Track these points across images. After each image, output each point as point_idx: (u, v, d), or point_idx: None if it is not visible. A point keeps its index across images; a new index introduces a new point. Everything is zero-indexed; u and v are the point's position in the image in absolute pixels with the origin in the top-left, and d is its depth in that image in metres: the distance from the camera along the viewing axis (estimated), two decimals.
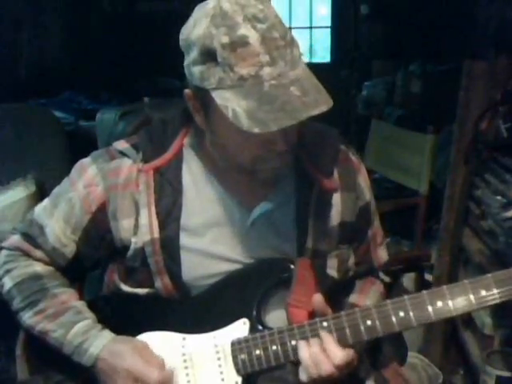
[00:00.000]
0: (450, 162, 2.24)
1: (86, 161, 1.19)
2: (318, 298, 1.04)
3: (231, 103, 0.96)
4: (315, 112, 0.94)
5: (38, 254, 1.18)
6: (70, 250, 1.17)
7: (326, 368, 1.00)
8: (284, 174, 1.14)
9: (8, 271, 1.18)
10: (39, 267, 1.18)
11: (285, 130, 0.98)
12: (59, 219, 1.16)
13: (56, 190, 1.21)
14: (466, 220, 2.20)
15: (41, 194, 2.57)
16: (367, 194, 1.24)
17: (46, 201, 1.22)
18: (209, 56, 0.98)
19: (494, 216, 1.87)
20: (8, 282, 1.17)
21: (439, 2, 4.63)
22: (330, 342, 1.01)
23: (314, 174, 1.15)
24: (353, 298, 1.23)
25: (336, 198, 1.17)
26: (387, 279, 1.31)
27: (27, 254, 1.19)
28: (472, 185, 2.15)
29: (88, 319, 1.12)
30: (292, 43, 1.00)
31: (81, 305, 1.15)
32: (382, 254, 1.29)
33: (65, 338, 1.09)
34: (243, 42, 0.95)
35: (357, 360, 1.05)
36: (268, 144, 1.03)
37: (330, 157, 1.18)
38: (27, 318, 1.13)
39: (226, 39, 0.96)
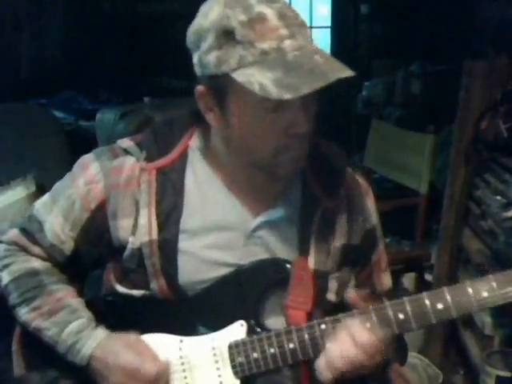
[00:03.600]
0: (450, 162, 2.25)
1: (88, 157, 1.17)
2: None
3: (256, 78, 0.94)
4: (343, 75, 0.94)
5: (36, 250, 1.17)
6: (68, 247, 1.16)
7: (348, 347, 0.98)
8: (293, 185, 1.14)
9: (6, 266, 1.17)
10: (37, 263, 1.17)
11: (307, 108, 0.99)
12: (58, 215, 1.15)
13: (57, 186, 1.20)
14: (466, 220, 2.20)
15: (41, 193, 2.56)
16: (374, 218, 1.22)
17: (46, 196, 1.21)
18: (227, 37, 0.97)
19: (494, 216, 1.88)
20: (6, 277, 1.16)
21: (439, 2, 4.63)
22: (353, 322, 1.00)
23: (320, 194, 1.13)
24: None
25: (341, 220, 1.15)
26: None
27: (24, 250, 1.18)
28: (472, 185, 2.15)
29: (82, 318, 1.11)
30: (304, 24, 1.01)
31: (76, 303, 1.14)
32: (386, 280, 1.25)
33: (59, 336, 1.08)
34: (261, 19, 0.96)
35: (382, 354, 1.01)
36: (290, 127, 1.01)
37: (337, 178, 1.16)
38: (23, 313, 1.13)
39: (243, 17, 0.96)
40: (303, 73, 0.94)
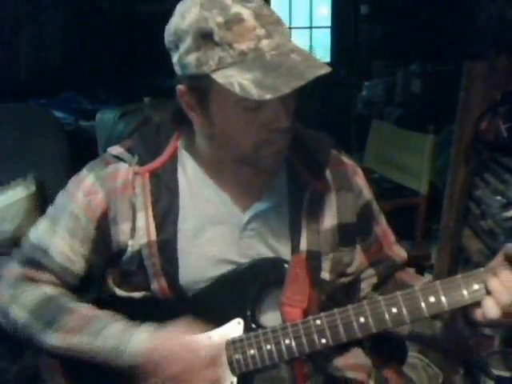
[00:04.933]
0: (450, 162, 2.25)
1: (81, 173, 1.17)
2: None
3: (236, 78, 0.96)
4: (321, 72, 0.96)
5: (45, 276, 1.14)
6: (78, 266, 1.14)
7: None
8: (278, 174, 1.15)
9: (15, 300, 1.12)
10: (48, 288, 1.13)
11: (286, 105, 1.01)
12: (64, 235, 1.13)
13: (52, 209, 1.18)
14: (466, 220, 2.20)
15: (41, 194, 2.57)
16: (367, 193, 1.24)
17: (42, 223, 1.17)
18: (205, 39, 0.98)
19: (494, 216, 1.88)
20: (20, 312, 1.11)
21: (439, 2, 4.63)
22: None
23: (306, 176, 1.15)
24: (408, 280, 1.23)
25: (331, 200, 1.17)
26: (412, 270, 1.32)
27: (32, 280, 1.14)
28: (472, 185, 2.15)
29: (115, 322, 1.07)
30: (280, 22, 1.02)
31: (103, 312, 1.10)
32: (400, 252, 1.29)
33: (95, 345, 1.04)
34: (238, 19, 0.97)
35: None
36: (271, 123, 1.03)
37: (322, 160, 1.18)
38: (51, 339, 1.07)
39: (220, 19, 0.97)
40: (282, 73, 0.96)
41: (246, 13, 0.98)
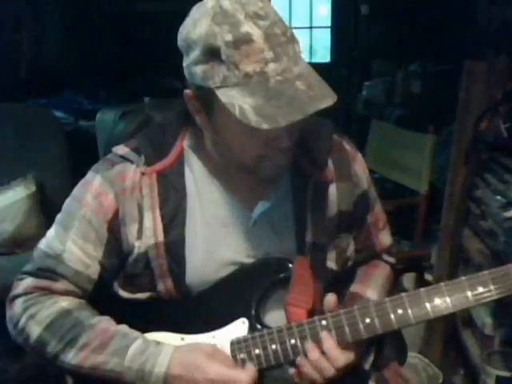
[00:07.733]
0: (450, 161, 2.25)
1: (87, 176, 1.16)
2: (329, 299, 1.05)
3: (237, 101, 0.96)
4: (322, 105, 0.95)
5: (60, 285, 1.11)
6: (93, 270, 1.12)
7: (329, 372, 1.01)
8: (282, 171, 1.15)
9: (32, 317, 1.09)
10: (65, 302, 1.10)
11: (289, 126, 0.99)
12: (77, 240, 1.12)
13: (61, 217, 1.16)
14: (466, 220, 2.20)
15: (41, 194, 2.57)
16: (365, 182, 1.24)
17: (51, 231, 1.15)
18: (212, 54, 0.97)
19: (494, 216, 1.87)
20: (35, 329, 1.08)
21: (439, 3, 4.63)
22: (330, 345, 1.01)
23: (309, 167, 1.16)
24: (353, 287, 1.24)
25: (332, 189, 1.18)
26: (391, 260, 1.31)
27: (47, 290, 1.11)
28: (472, 185, 2.15)
29: (138, 338, 1.05)
30: (293, 39, 1.01)
31: (123, 327, 1.09)
32: (384, 239, 1.29)
33: (122, 365, 1.02)
34: (247, 40, 0.96)
35: (358, 359, 1.05)
36: (272, 141, 1.03)
37: (324, 148, 1.19)
38: (71, 358, 1.05)
39: (229, 37, 0.96)
40: (283, 102, 0.95)
41: (256, 33, 0.96)
